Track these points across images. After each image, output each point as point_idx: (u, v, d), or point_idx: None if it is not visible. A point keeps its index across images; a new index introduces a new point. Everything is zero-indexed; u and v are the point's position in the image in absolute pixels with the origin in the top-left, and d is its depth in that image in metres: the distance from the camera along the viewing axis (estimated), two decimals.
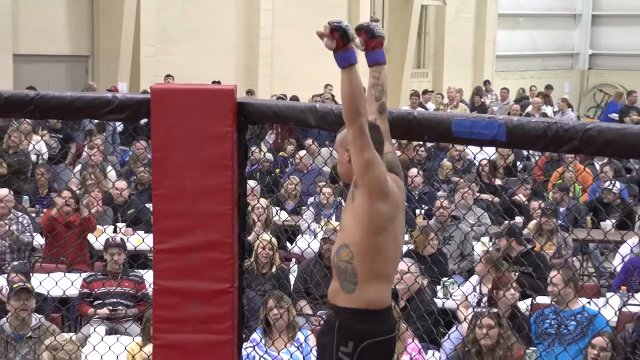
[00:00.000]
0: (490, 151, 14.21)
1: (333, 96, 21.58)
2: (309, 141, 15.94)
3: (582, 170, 14.39)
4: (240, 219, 4.77)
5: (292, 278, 9.77)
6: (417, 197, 12.71)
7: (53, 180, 13.34)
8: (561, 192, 12.95)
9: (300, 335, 7.83)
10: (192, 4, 22.23)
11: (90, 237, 11.03)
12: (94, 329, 8.69)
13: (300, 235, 11.59)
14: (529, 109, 21.95)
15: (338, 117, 4.54)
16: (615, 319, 8.81)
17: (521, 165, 16.43)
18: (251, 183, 10.51)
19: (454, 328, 8.66)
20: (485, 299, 8.89)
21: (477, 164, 14.66)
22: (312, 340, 7.86)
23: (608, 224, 12.35)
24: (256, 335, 7.77)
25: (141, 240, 10.75)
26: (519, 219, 12.00)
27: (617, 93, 25.92)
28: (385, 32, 26.45)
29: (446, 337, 8.42)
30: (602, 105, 31.54)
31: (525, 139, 4.07)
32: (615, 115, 22.53)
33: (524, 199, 13.16)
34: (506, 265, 9.29)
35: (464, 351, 7.41)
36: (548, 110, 22.79)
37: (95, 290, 9.27)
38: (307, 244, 10.42)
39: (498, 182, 14.56)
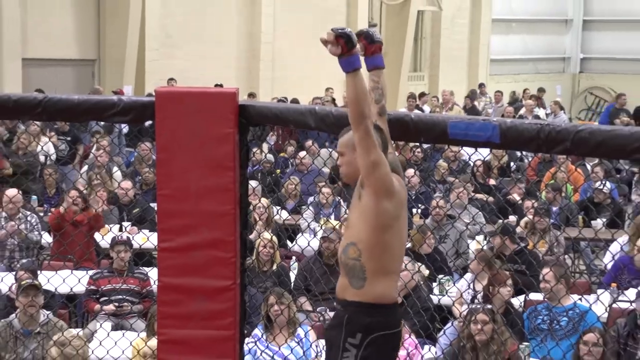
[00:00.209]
0: (484, 152, 14.31)
1: (334, 99, 21.60)
2: (309, 142, 15.94)
3: (573, 171, 14.40)
4: (242, 218, 4.77)
5: (292, 275, 9.76)
6: (413, 197, 12.70)
7: (61, 181, 13.35)
8: (553, 191, 12.96)
9: (300, 331, 7.83)
10: (195, 10, 22.24)
11: (97, 236, 11.04)
12: (101, 325, 8.70)
13: (300, 234, 11.60)
14: (522, 111, 21.95)
15: (337, 119, 4.54)
16: (606, 315, 8.81)
17: (515, 166, 16.43)
18: (253, 183, 10.55)
19: (449, 324, 8.65)
20: (479, 295, 8.88)
21: (472, 164, 14.66)
22: (312, 336, 7.87)
23: (599, 222, 12.35)
24: (257, 331, 7.77)
25: (146, 239, 10.76)
26: (512, 218, 12.00)
27: (617, 95, 25.93)
28: (383, 36, 26.33)
29: (442, 332, 8.41)
30: (593, 108, 31.59)
31: (518, 141, 4.07)
32: None
33: (517, 198, 13.16)
34: (499, 263, 9.30)
35: (459, 346, 7.41)
36: (540, 112, 22.79)
37: (102, 287, 9.27)
38: (307, 242, 10.42)
39: (492, 182, 14.57)
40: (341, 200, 12.55)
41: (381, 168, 4.01)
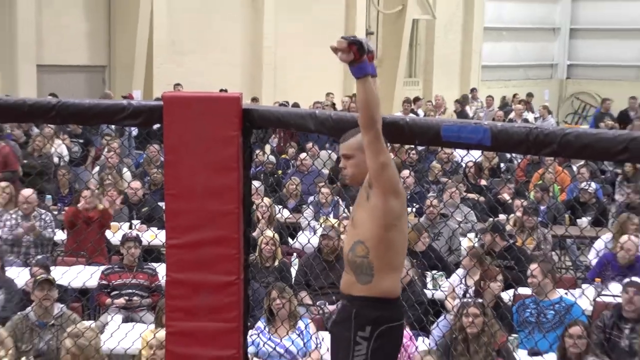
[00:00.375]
0: (476, 154, 14.31)
1: (333, 104, 21.60)
2: (309, 144, 15.95)
3: (560, 172, 14.40)
4: (245, 217, 4.77)
5: (293, 271, 9.77)
6: (409, 197, 12.69)
7: (74, 181, 13.35)
8: (541, 191, 12.97)
9: (301, 324, 7.84)
10: (201, 19, 22.23)
11: (108, 233, 11.05)
12: (112, 318, 8.73)
13: (300, 232, 11.61)
14: (512, 115, 21.94)
15: (336, 123, 4.55)
16: (591, 308, 8.83)
17: (505, 167, 16.43)
18: (255, 183, 10.54)
19: (442, 317, 8.66)
20: (471, 290, 8.89)
21: (464, 165, 14.66)
22: (312, 328, 7.88)
23: (584, 221, 12.38)
24: (260, 324, 7.78)
25: (154, 236, 10.78)
26: (502, 217, 12.01)
27: (602, 100, 25.89)
28: (379, 44, 26.52)
29: (435, 325, 8.42)
30: (579, 112, 31.58)
31: (508, 143, 4.07)
32: None
33: (507, 198, 13.17)
34: (490, 259, 9.31)
35: (451, 338, 7.42)
36: (529, 116, 22.78)
37: (113, 281, 9.28)
38: (307, 239, 10.43)
39: (483, 182, 14.57)
40: (339, 200, 12.56)
41: (390, 169, 4.02)
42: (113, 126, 14.02)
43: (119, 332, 7.79)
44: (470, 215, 12.04)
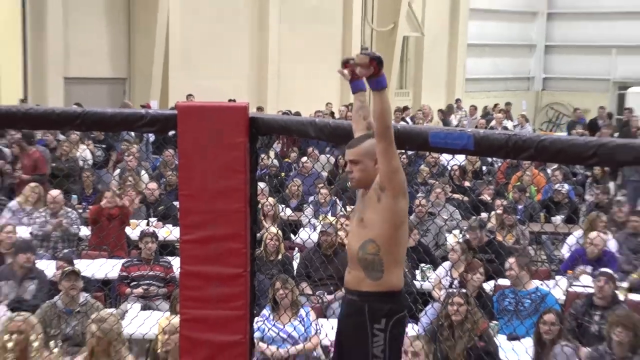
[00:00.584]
0: (460, 158, 14.32)
1: (332, 112, 21.59)
2: (310, 149, 15.94)
3: (536, 174, 14.41)
4: (251, 215, 4.76)
5: (295, 264, 9.77)
6: None
7: (97, 182, 13.35)
8: (519, 192, 12.98)
9: (302, 311, 7.84)
10: (212, 34, 22.25)
11: (128, 229, 11.05)
12: (131, 306, 8.71)
13: (301, 228, 11.61)
14: (493, 123, 21.94)
15: (334, 130, 4.55)
16: (564, 297, 8.83)
17: (486, 170, 16.43)
18: (261, 184, 10.54)
19: (429, 306, 8.66)
20: (456, 281, 8.89)
21: (449, 169, 14.67)
22: (312, 316, 7.87)
23: (558, 219, 12.38)
24: (265, 311, 7.78)
25: (169, 232, 10.82)
26: (484, 215, 12.01)
27: (574, 110, 25.94)
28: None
29: (423, 313, 8.42)
30: (554, 120, 31.59)
31: (490, 148, 4.06)
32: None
33: (488, 198, 13.17)
34: (473, 253, 9.32)
35: (438, 324, 7.42)
36: (509, 124, 22.78)
37: (132, 273, 9.28)
38: (307, 235, 10.44)
39: (467, 184, 14.58)
40: (337, 200, 12.55)
41: (401, 172, 4.00)
42: (132, 133, 13.99)
43: (138, 319, 7.80)
44: (455, 214, 12.05)
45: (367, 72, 3.78)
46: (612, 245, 10.23)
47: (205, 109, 4.78)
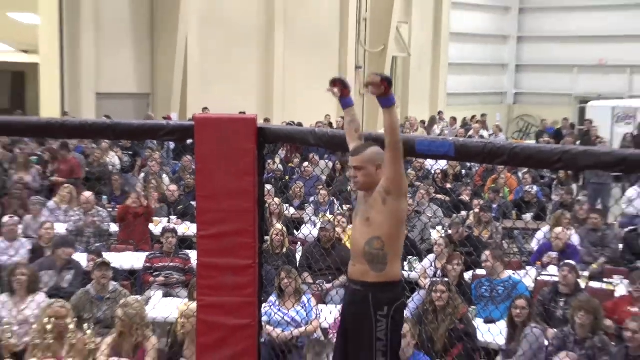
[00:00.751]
0: (443, 163, 14.32)
1: (330, 123, 21.60)
2: (311, 155, 15.94)
3: (509, 177, 14.40)
4: (259, 213, 4.75)
5: (298, 256, 9.76)
6: None
7: (124, 185, 13.34)
8: (494, 193, 12.97)
9: (304, 298, 7.83)
10: (225, 55, 22.29)
11: (151, 226, 11.04)
12: (154, 293, 8.71)
13: (303, 225, 11.60)
14: (471, 132, 21.95)
15: (331, 138, 4.55)
16: (533, 285, 8.82)
17: (465, 173, 16.44)
18: (268, 186, 10.53)
19: (416, 293, 8.65)
20: (439, 271, 8.88)
21: (433, 172, 14.67)
22: (313, 302, 7.86)
23: (528, 216, 12.38)
24: (272, 298, 7.76)
25: (188, 229, 10.80)
26: (463, 213, 12.01)
27: (554, 121, 25.90)
28: (366, 75, 26.47)
29: (410, 299, 8.40)
30: (524, 130, 31.62)
31: (468, 155, 4.07)
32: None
33: (467, 198, 13.16)
34: (454, 246, 9.31)
35: (423, 309, 7.40)
36: (485, 133, 22.77)
37: (155, 264, 9.27)
38: (308, 231, 10.42)
39: (448, 185, 14.57)
40: (334, 200, 12.54)
41: (404, 178, 4.00)
42: (155, 141, 14.00)
43: (160, 305, 7.79)
44: (438, 212, 12.03)
45: (378, 91, 3.74)
46: (575, 239, 10.23)
47: (219, 121, 4.78)
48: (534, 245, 10.65)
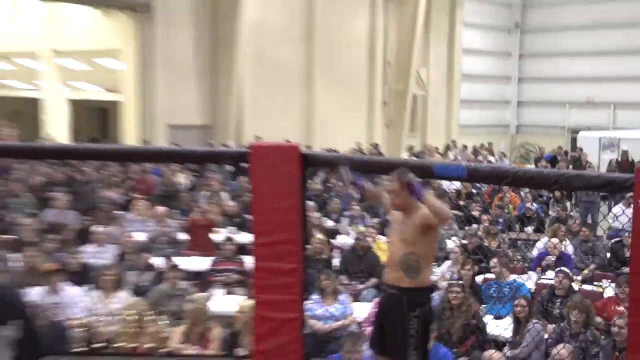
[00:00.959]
0: (457, 184, 14.25)
1: (361, 149, 21.59)
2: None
3: (513, 196, 14.29)
4: (303, 225, 4.78)
5: (336, 261, 9.74)
6: None
7: (191, 201, 13.43)
8: (500, 209, 12.86)
9: (341, 297, 7.81)
10: (273, 92, 22.43)
11: (214, 236, 11.08)
12: (217, 291, 8.74)
13: (340, 235, 11.59)
14: (480, 157, 21.81)
15: (363, 162, 4.56)
16: (534, 287, 8.73)
17: (475, 192, 16.32)
18: (309, 203, 10.54)
19: (435, 293, 8.58)
20: (455, 275, 8.82)
21: (448, 191, 14.59)
22: (349, 300, 7.84)
23: (529, 229, 12.25)
24: (314, 296, 7.76)
25: (245, 238, 10.80)
26: (475, 226, 11.91)
27: (539, 148, 25.68)
28: (391, 110, 26.42)
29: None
30: (525, 156, 31.37)
31: (479, 176, 4.07)
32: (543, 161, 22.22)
33: (477, 213, 13.06)
34: (467, 254, 9.24)
35: (442, 307, 7.36)
36: (492, 159, 22.63)
37: (218, 267, 9.30)
38: (344, 240, 10.41)
39: (462, 202, 14.48)
40: (365, 214, 12.51)
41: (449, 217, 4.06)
42: (216, 165, 14.08)
43: (222, 301, 7.82)
44: (453, 225, 11.94)
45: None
46: (569, 249, 10.11)
47: (269, 147, 4.82)
48: (534, 253, 10.54)
